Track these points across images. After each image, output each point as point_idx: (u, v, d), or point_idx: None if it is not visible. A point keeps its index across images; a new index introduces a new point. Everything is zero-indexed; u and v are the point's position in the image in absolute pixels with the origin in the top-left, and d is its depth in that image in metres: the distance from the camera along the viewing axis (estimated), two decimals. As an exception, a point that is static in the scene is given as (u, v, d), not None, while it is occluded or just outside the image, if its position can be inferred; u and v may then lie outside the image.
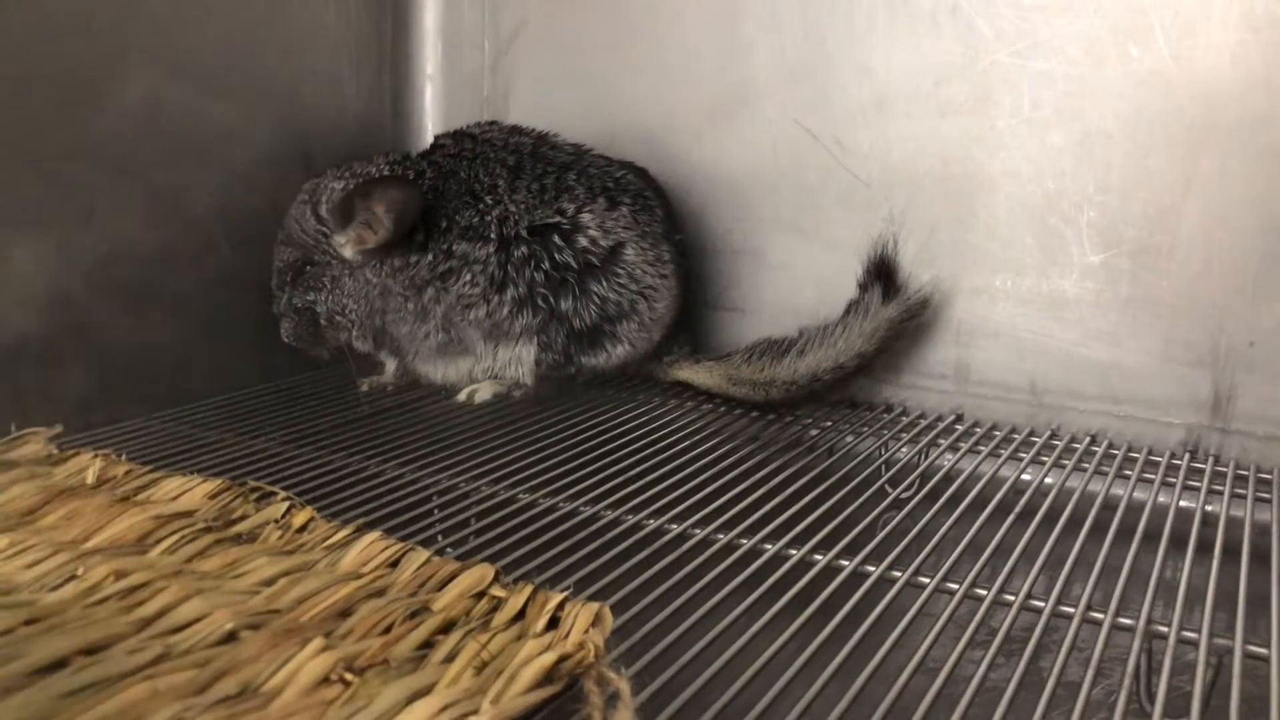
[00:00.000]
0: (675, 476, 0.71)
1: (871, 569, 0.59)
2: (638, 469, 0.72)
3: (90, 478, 0.60)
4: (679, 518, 0.64)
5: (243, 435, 0.77)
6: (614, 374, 0.92)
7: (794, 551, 0.60)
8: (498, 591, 0.49)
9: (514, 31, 1.03)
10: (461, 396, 0.88)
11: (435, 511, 0.64)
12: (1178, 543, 0.64)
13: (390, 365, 0.91)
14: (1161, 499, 0.72)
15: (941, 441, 0.83)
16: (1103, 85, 0.81)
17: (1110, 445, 0.82)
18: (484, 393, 0.88)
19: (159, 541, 0.52)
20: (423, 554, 0.51)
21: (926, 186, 0.87)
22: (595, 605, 0.47)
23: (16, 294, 0.76)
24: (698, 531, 0.62)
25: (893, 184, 0.89)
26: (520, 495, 0.67)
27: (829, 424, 0.86)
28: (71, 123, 0.79)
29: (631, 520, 0.64)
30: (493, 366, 0.89)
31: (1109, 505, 0.69)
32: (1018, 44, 0.83)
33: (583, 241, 0.86)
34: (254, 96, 0.92)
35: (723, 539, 0.61)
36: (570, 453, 0.75)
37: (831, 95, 0.90)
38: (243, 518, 0.55)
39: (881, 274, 0.87)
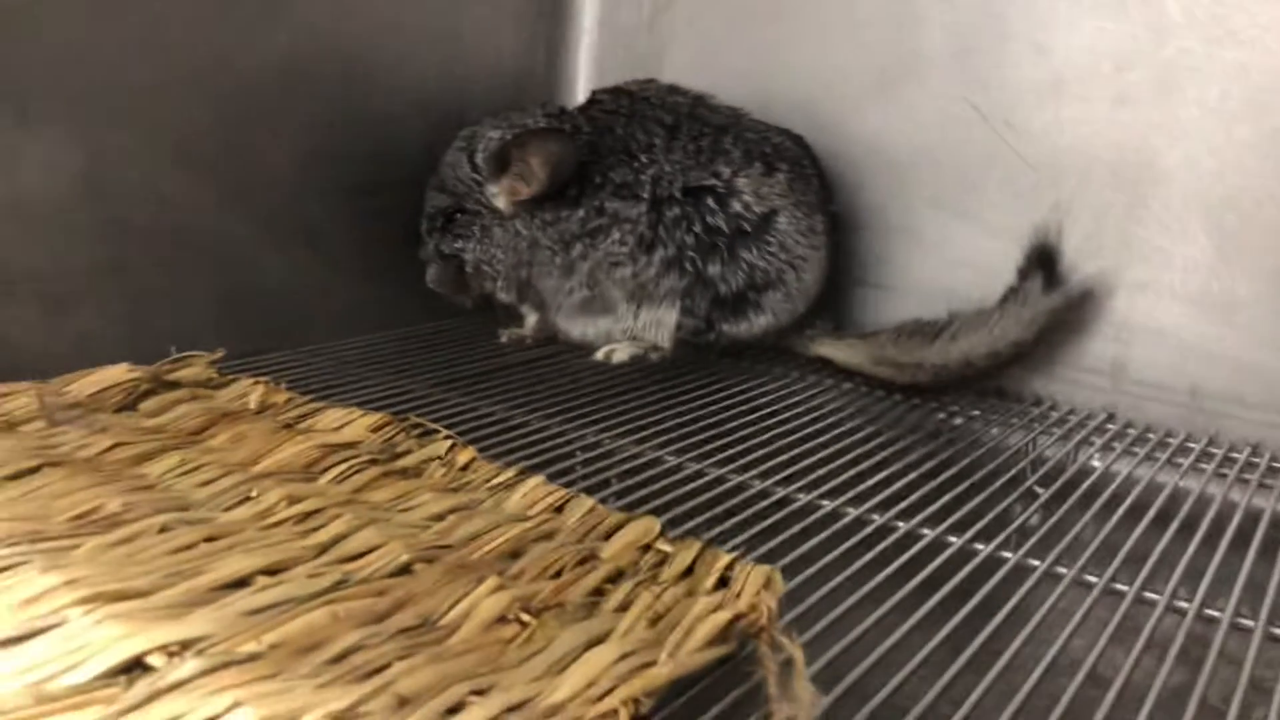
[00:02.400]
0: (819, 454, 0.69)
1: (1036, 563, 0.57)
2: (780, 442, 0.71)
3: (253, 403, 0.60)
4: (829, 494, 0.63)
5: (389, 375, 0.78)
6: (754, 344, 0.90)
7: (953, 539, 0.58)
8: (664, 546, 0.48)
9: (674, -10, 1.02)
10: (599, 355, 0.88)
11: (579, 468, 0.63)
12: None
13: (531, 319, 0.91)
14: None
15: (1094, 440, 0.80)
16: (1301, 80, 0.77)
17: (1273, 457, 0.78)
18: (621, 353, 0.88)
19: (326, 470, 0.52)
20: (587, 502, 0.51)
21: (1097, 174, 0.84)
22: (765, 568, 0.46)
23: (165, 222, 0.77)
24: (851, 510, 0.61)
25: (1061, 169, 0.85)
26: (666, 457, 0.67)
27: (975, 414, 0.84)
28: (248, 50, 0.79)
29: (781, 493, 0.63)
30: (633, 327, 0.88)
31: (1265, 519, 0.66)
32: (1210, 30, 0.79)
33: (736, 206, 0.84)
34: (418, 39, 0.92)
35: (877, 520, 0.60)
36: (711, 420, 0.74)
37: (1004, 73, 0.87)
38: (407, 452, 0.55)
39: (1043, 262, 0.84)
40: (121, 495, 0.46)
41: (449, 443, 0.56)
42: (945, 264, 0.91)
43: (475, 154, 0.86)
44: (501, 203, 0.85)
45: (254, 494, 0.48)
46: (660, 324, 0.87)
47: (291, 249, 0.86)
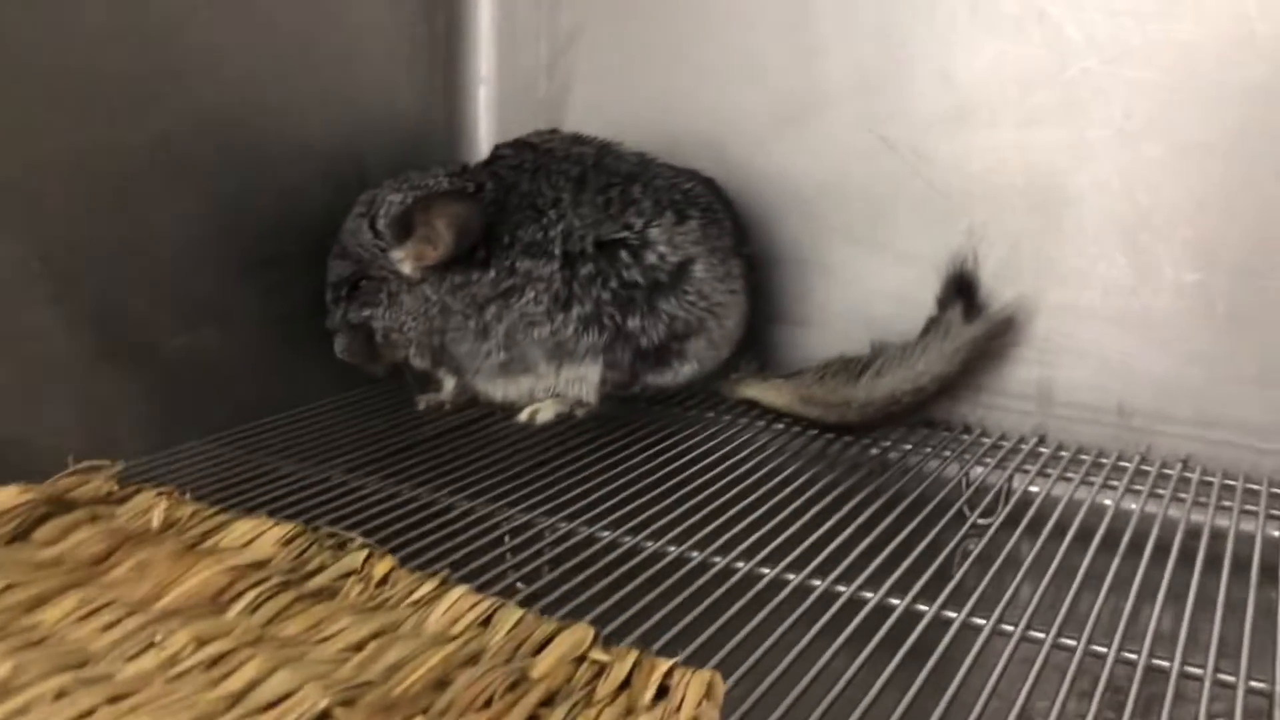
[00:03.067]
0: (756, 511, 0.68)
1: (953, 615, 0.56)
2: (715, 501, 0.69)
3: (156, 521, 0.57)
4: (769, 560, 0.61)
5: (304, 462, 0.74)
6: (680, 391, 0.89)
7: (896, 601, 0.57)
8: (599, 655, 0.46)
9: (572, 32, 1.00)
10: (523, 416, 0.85)
11: (509, 556, 0.61)
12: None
13: (449, 383, 0.88)
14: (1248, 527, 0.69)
15: (1029, 467, 0.80)
16: (1202, 96, 0.77)
17: (1204, 471, 0.78)
18: (546, 412, 0.85)
19: (236, 598, 0.49)
20: (515, 612, 0.48)
21: (1009, 199, 0.84)
22: (706, 674, 0.44)
23: (75, 306, 0.73)
24: (791, 576, 0.60)
25: (973, 196, 0.85)
26: (599, 533, 0.64)
27: (908, 446, 0.83)
28: (126, 132, 0.76)
29: (720, 563, 0.61)
30: (555, 385, 0.85)
31: (1198, 534, 0.67)
32: (1110, 51, 0.79)
33: (651, 258, 0.82)
34: (309, 102, 0.89)
35: (819, 585, 0.59)
36: (642, 481, 0.72)
37: (909, 102, 0.86)
38: (320, 569, 0.52)
39: (961, 290, 0.83)
40: (12, 655, 0.43)
41: (365, 553, 0.53)
42: (864, 296, 0.90)
43: (377, 219, 0.83)
44: (407, 268, 0.82)
45: (159, 638, 0.45)
46: (583, 380, 0.85)
47: (195, 330, 0.82)
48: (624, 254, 0.82)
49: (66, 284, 0.73)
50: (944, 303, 0.84)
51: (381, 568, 0.52)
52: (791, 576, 0.60)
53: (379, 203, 0.83)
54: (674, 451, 0.78)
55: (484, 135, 1.04)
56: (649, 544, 0.63)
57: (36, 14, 0.70)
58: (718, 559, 0.62)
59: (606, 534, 0.64)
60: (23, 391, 0.71)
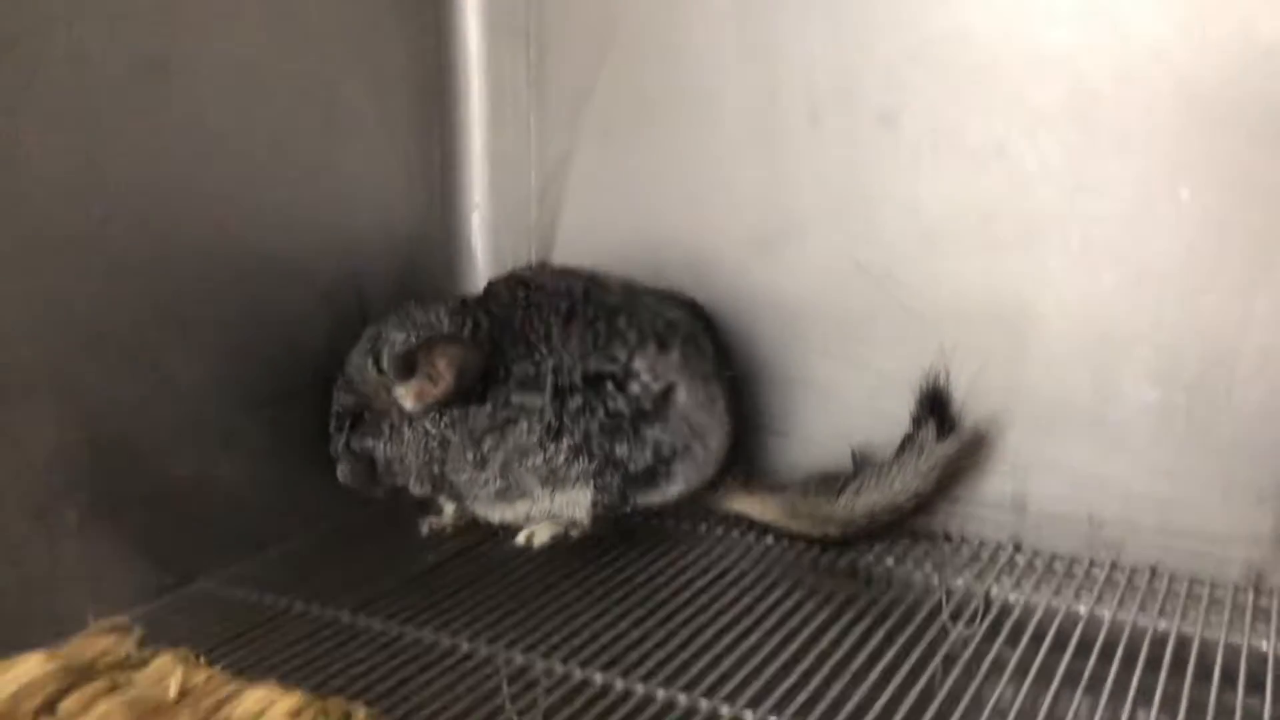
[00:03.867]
0: (753, 642, 0.72)
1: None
2: (700, 623, 0.75)
3: (173, 690, 0.60)
4: (777, 708, 0.64)
5: (311, 601, 0.78)
6: (668, 508, 0.93)
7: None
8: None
9: (560, 162, 1.04)
10: (520, 539, 0.89)
11: (507, 706, 0.65)
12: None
13: (449, 508, 0.92)
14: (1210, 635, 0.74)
15: (1005, 577, 0.84)
16: (1154, 225, 0.81)
17: (1172, 578, 0.82)
18: (542, 534, 0.89)
19: (249, 779, 0.52)
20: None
21: (977, 321, 0.88)
22: None
23: (72, 436, 0.76)
24: None
25: (944, 316, 0.89)
26: (594, 676, 0.68)
27: (890, 560, 0.87)
28: (140, 283, 0.79)
29: (728, 713, 0.64)
30: (550, 508, 0.89)
31: (1167, 642, 0.73)
32: (1066, 182, 0.83)
33: (635, 388, 0.86)
34: (310, 239, 0.93)
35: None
36: (640, 609, 0.77)
37: (877, 229, 0.91)
38: (328, 744, 0.56)
39: (934, 408, 0.87)
40: None
41: (370, 727, 0.57)
42: (843, 410, 0.94)
43: (381, 356, 0.87)
44: (409, 404, 0.86)
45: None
46: (576, 503, 0.89)
47: (204, 464, 0.86)
48: (609, 385, 0.86)
49: (77, 426, 0.76)
50: (918, 420, 0.87)
51: (385, 742, 0.56)
52: (774, 720, 0.63)
53: (383, 339, 0.87)
54: (667, 574, 0.83)
55: (479, 259, 1.09)
56: (641, 686, 0.67)
57: (58, 183, 0.74)
58: (725, 708, 0.65)
59: (599, 677, 0.68)
60: (36, 534, 0.74)
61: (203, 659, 0.64)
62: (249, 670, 0.64)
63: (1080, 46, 0.82)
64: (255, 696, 0.59)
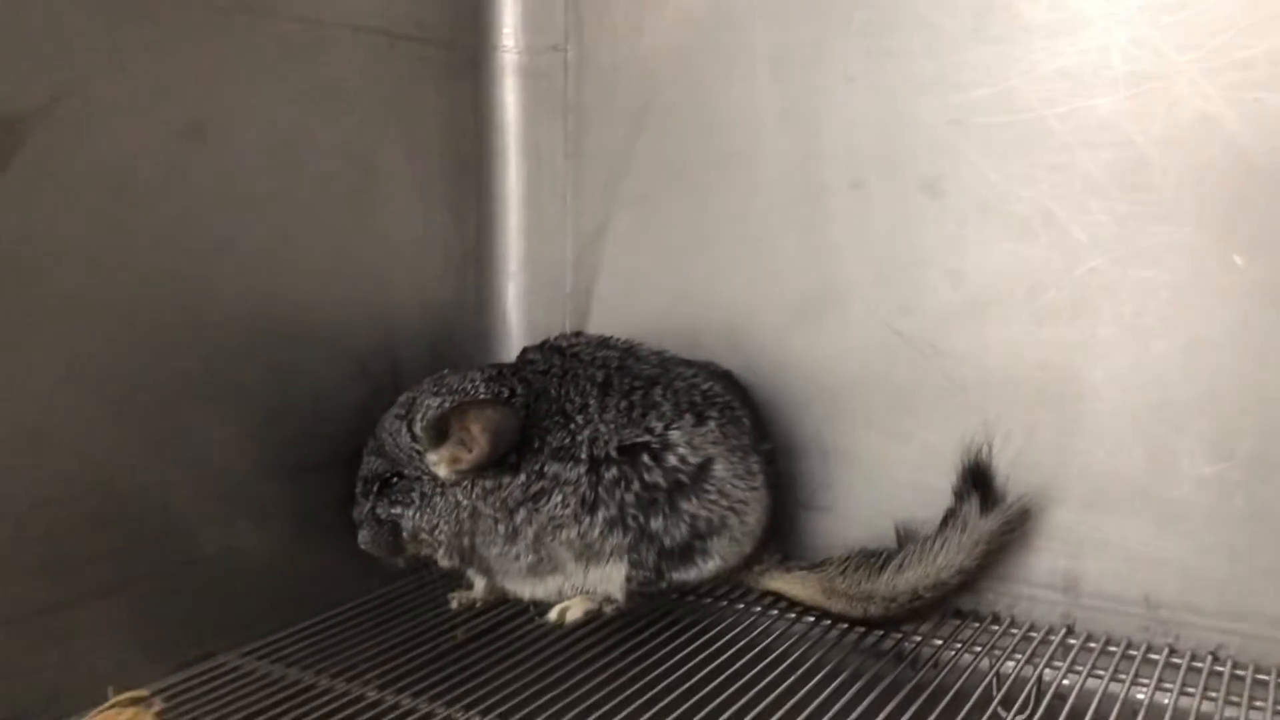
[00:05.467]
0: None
1: None
2: (737, 708, 0.70)
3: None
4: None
5: (337, 677, 0.76)
6: (704, 585, 0.90)
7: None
8: None
9: (596, 230, 1.04)
10: (553, 615, 0.87)
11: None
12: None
13: (479, 583, 0.90)
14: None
15: (1059, 662, 0.80)
16: (1208, 294, 0.79)
17: (1235, 664, 0.78)
18: (575, 611, 0.87)
19: None
20: None
21: (1025, 392, 0.85)
22: None
23: (97, 505, 0.75)
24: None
25: (989, 388, 0.87)
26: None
27: (938, 641, 0.83)
28: (174, 349, 0.79)
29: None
30: (583, 583, 0.87)
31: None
32: (1117, 251, 0.81)
33: (672, 460, 0.84)
34: (346, 309, 0.93)
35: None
36: (666, 695, 0.73)
37: (922, 298, 0.89)
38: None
39: (978, 482, 0.84)
40: None
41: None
42: (886, 484, 0.92)
43: (414, 422, 0.85)
44: (442, 471, 0.85)
45: None
46: (610, 579, 0.86)
47: (231, 536, 0.84)
48: (646, 457, 0.84)
49: (101, 495, 0.75)
50: (961, 494, 0.84)
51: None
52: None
53: (418, 405, 0.86)
54: (702, 656, 0.80)
55: (514, 327, 1.08)
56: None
57: (91, 248, 0.74)
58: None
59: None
60: (58, 604, 0.73)
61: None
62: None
63: (1128, 113, 0.80)
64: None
